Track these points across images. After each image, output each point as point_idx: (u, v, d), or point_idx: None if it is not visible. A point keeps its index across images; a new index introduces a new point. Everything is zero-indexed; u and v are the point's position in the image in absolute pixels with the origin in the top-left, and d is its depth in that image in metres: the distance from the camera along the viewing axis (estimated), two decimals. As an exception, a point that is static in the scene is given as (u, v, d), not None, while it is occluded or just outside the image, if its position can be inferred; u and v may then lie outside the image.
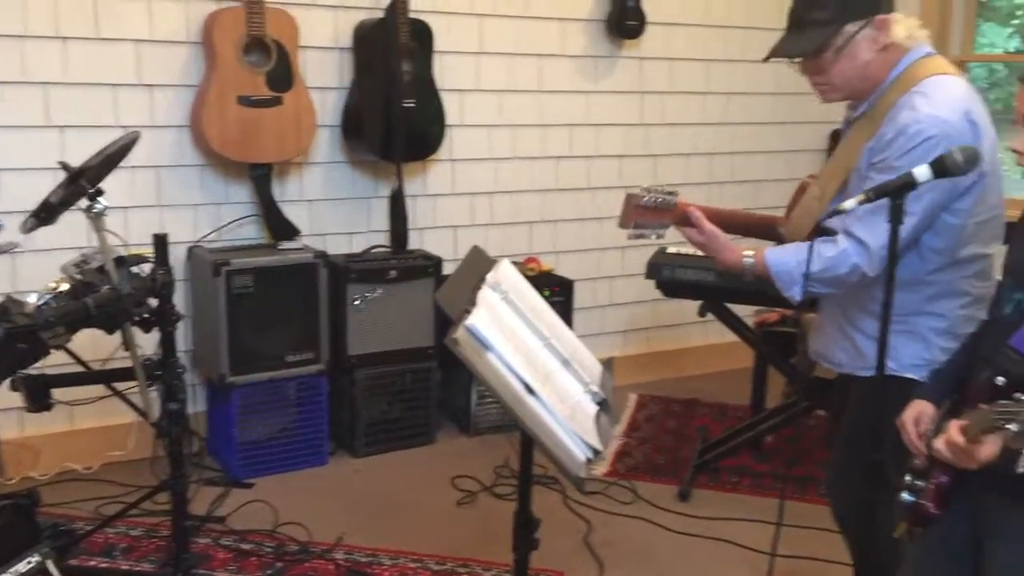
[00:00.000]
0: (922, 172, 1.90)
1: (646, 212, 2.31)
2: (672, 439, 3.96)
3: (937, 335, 2.19)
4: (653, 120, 4.54)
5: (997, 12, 7.97)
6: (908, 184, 1.92)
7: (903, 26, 2.13)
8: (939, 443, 1.68)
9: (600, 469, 3.62)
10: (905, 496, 1.84)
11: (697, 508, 3.36)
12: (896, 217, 1.94)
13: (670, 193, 2.30)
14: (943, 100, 2.05)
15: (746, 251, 2.21)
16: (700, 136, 4.66)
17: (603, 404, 2.05)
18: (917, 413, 1.84)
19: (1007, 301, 1.77)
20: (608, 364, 2.27)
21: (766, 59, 2.26)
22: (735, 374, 4.49)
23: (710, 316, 3.64)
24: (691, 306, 3.68)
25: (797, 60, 2.22)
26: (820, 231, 2.22)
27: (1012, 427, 1.45)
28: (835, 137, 4.93)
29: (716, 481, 3.57)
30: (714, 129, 4.68)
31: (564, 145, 4.33)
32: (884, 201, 1.94)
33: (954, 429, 1.64)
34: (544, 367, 1.97)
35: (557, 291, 4.03)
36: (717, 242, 2.26)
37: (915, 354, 2.19)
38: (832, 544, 2.88)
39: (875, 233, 2.04)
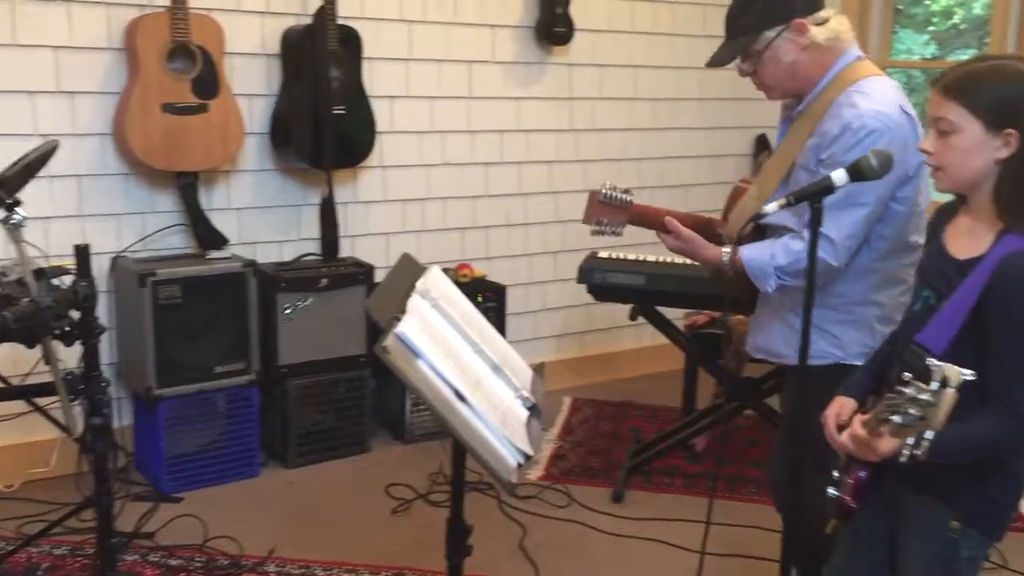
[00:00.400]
0: (839, 176, 1.97)
1: (606, 209, 2.43)
2: (606, 442, 3.99)
3: (879, 322, 2.29)
4: (583, 126, 4.58)
5: (914, 19, 8.22)
6: (826, 188, 1.98)
7: (826, 28, 2.24)
8: (844, 436, 1.73)
9: (535, 473, 3.64)
10: (830, 491, 1.89)
11: (631, 509, 3.40)
12: (816, 220, 2.00)
13: (626, 192, 2.43)
14: (880, 97, 2.18)
15: (723, 250, 2.33)
16: (630, 141, 4.71)
17: (534, 409, 2.07)
18: (838, 409, 1.88)
19: (918, 298, 1.84)
20: (539, 369, 2.28)
21: (708, 66, 2.37)
22: (667, 376, 4.56)
23: (641, 319, 3.68)
24: (623, 310, 3.72)
25: (739, 64, 2.34)
26: (758, 230, 2.34)
27: (896, 419, 1.50)
28: (761, 141, 5.05)
29: (649, 482, 3.61)
30: (643, 134, 4.74)
31: (495, 151, 4.35)
32: (845, 194, 2.05)
33: (857, 423, 1.69)
34: (475, 373, 1.97)
35: (490, 296, 4.04)
36: (695, 244, 2.37)
37: (860, 342, 2.28)
38: (763, 541, 2.95)
39: (839, 225, 2.15)
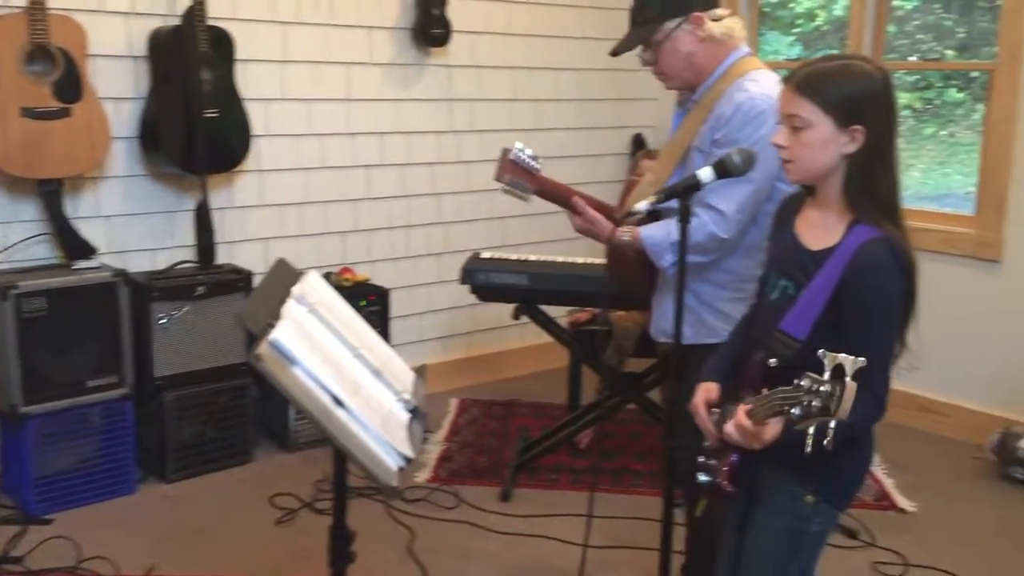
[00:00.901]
0: (706, 174, 2.07)
1: (516, 169, 2.55)
2: (493, 441, 4.01)
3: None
4: (464, 127, 4.59)
5: (780, 21, 8.54)
6: (693, 186, 2.07)
7: (721, 24, 2.39)
8: (729, 427, 1.79)
9: (423, 475, 3.62)
10: (701, 476, 1.95)
11: (519, 507, 3.42)
12: (684, 216, 2.08)
13: (535, 159, 2.56)
14: (768, 83, 2.34)
15: (622, 231, 2.44)
16: (510, 142, 4.70)
17: (415, 412, 2.06)
18: (707, 395, 1.94)
19: (773, 288, 1.90)
20: (420, 371, 2.27)
21: (612, 54, 2.46)
22: (552, 374, 4.61)
23: (525, 319, 3.71)
24: (507, 309, 3.74)
25: (640, 53, 2.45)
26: (652, 215, 2.40)
27: (795, 411, 1.55)
28: (637, 140, 5.16)
29: (536, 479, 3.65)
30: (524, 135, 4.70)
31: (375, 153, 4.31)
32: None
33: (741, 413, 1.75)
34: (354, 378, 1.95)
35: (373, 300, 4.01)
36: (599, 225, 2.47)
37: None
38: (648, 531, 3.01)
39: (729, 199, 2.29)
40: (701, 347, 2.38)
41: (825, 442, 1.55)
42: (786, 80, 1.82)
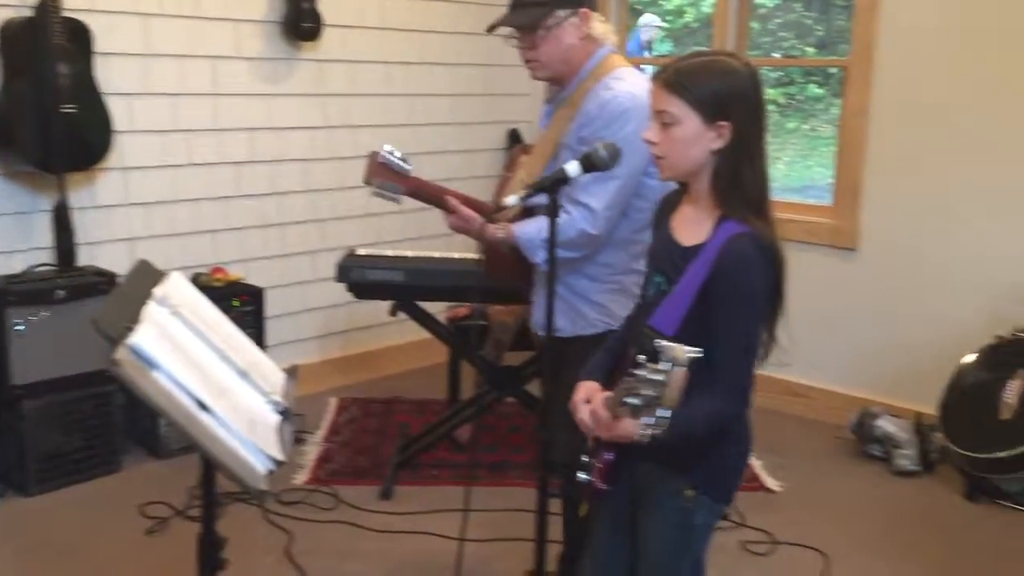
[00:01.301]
0: (572, 168, 2.09)
1: (385, 171, 2.53)
2: (374, 439, 3.98)
3: (640, 289, 2.42)
4: (337, 123, 4.52)
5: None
6: (561, 180, 2.09)
7: (599, 24, 2.45)
8: (583, 413, 1.81)
9: (301, 477, 3.57)
10: (580, 476, 1.96)
11: (400, 505, 3.41)
12: (553, 210, 2.11)
13: (405, 160, 2.54)
14: (633, 82, 2.38)
15: (496, 228, 2.45)
16: (385, 138, 4.66)
17: (285, 413, 2.02)
18: (585, 394, 1.93)
19: (650, 284, 1.94)
20: (292, 372, 2.23)
21: (489, 30, 2.49)
22: (432, 370, 4.61)
23: (403, 315, 3.70)
24: (385, 306, 3.72)
25: (515, 36, 2.46)
26: (527, 211, 2.45)
27: (632, 400, 1.59)
28: (512, 136, 5.19)
29: (417, 476, 3.64)
30: (398, 131, 4.74)
31: (245, 150, 4.21)
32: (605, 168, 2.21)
33: (598, 401, 1.77)
34: (219, 381, 1.90)
35: (247, 300, 3.92)
36: (474, 224, 2.47)
37: (627, 308, 2.39)
38: (529, 523, 3.03)
39: (598, 197, 2.34)
40: (579, 339, 2.43)
41: (657, 432, 1.59)
42: (656, 76, 1.83)
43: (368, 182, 2.56)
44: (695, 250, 1.79)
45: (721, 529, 3.29)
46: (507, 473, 3.68)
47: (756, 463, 3.82)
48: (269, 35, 4.22)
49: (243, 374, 2.01)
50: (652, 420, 1.60)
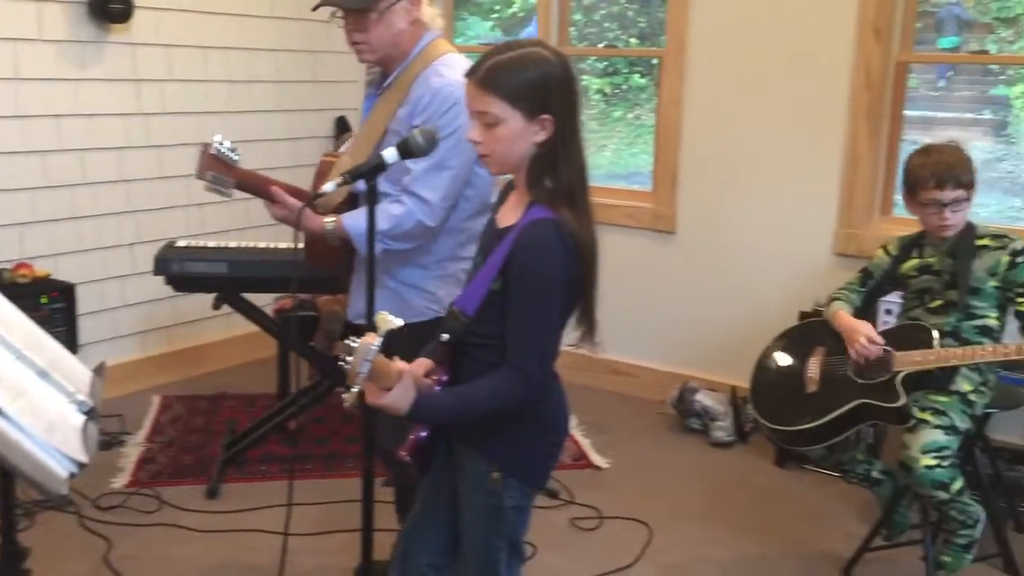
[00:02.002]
0: (390, 154, 2.07)
1: (217, 163, 2.45)
2: (200, 437, 3.86)
3: (467, 276, 2.44)
4: (153, 109, 4.33)
5: (479, 7, 8.76)
6: (379, 166, 2.08)
7: (427, 9, 2.45)
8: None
9: (120, 481, 3.42)
10: (400, 453, 1.97)
11: (227, 503, 3.32)
12: (372, 197, 2.10)
13: (233, 150, 2.47)
14: (462, 69, 2.29)
15: (327, 219, 2.39)
16: (205, 125, 4.53)
17: (91, 413, 1.93)
18: (418, 369, 1.91)
19: (473, 266, 1.96)
20: (99, 370, 2.14)
21: (314, 9, 2.43)
22: (261, 363, 4.50)
23: (227, 308, 3.59)
24: (210, 300, 3.59)
25: (342, 17, 2.42)
26: (352, 198, 2.45)
27: (342, 364, 1.65)
28: (341, 123, 5.12)
29: (246, 472, 3.55)
30: (219, 118, 4.59)
31: (51, 138, 3.97)
32: (438, 159, 2.26)
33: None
34: (16, 383, 1.80)
35: (56, 297, 3.71)
36: (305, 213, 2.38)
37: (454, 295, 2.39)
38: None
39: (434, 188, 2.35)
40: (407, 327, 2.41)
41: (347, 398, 1.66)
42: (469, 75, 1.81)
43: (201, 176, 2.47)
44: (504, 232, 1.83)
45: (551, 507, 3.39)
46: (340, 464, 3.65)
47: (584, 441, 3.94)
48: (75, 17, 3.99)
49: (43, 374, 1.91)
50: (355, 387, 1.66)
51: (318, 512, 3.21)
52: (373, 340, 1.64)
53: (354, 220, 2.39)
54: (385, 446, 2.60)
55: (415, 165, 2.34)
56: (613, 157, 8.22)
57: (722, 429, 3.98)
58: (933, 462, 2.56)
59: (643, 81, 8.29)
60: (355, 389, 1.66)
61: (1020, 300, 2.69)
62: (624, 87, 8.48)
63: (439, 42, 2.48)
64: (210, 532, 3.13)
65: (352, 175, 2.10)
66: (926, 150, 2.78)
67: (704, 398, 4.05)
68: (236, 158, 2.49)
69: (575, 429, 4.03)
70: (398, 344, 2.26)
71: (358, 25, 2.40)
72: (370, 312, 2.14)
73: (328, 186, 2.14)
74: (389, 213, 2.37)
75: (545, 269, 1.75)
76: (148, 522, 3.17)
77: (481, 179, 2.44)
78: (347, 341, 1.66)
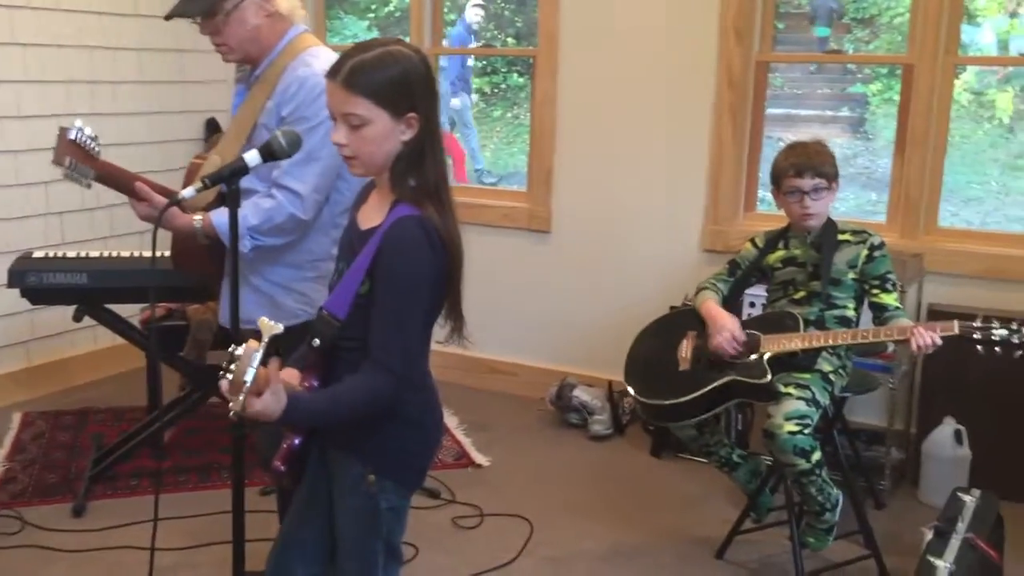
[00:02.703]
0: (252, 157, 2.03)
1: (76, 150, 2.33)
2: (65, 454, 3.70)
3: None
4: (8, 112, 4.12)
5: (356, 6, 8.68)
6: (240, 169, 2.03)
7: (286, 1, 2.41)
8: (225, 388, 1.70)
9: (-23, 504, 3.25)
10: (275, 463, 1.93)
11: (95, 520, 3.20)
12: (234, 201, 2.06)
13: (94, 138, 2.38)
14: (330, 60, 2.26)
15: (195, 216, 2.31)
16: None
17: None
18: (289, 379, 1.87)
19: (336, 271, 1.94)
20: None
21: (167, 17, 2.40)
22: (130, 375, 4.36)
23: (90, 320, 3.45)
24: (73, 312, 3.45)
25: (197, 21, 2.38)
26: (221, 199, 2.33)
27: (228, 376, 1.60)
28: (211, 125, 4.99)
29: (114, 488, 3.42)
30: (80, 121, 4.39)
31: None
32: (308, 150, 2.20)
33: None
34: None
35: None
36: (170, 210, 2.28)
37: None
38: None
39: (304, 181, 2.31)
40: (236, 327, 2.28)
41: (235, 409, 1.60)
42: (331, 75, 1.78)
43: (58, 163, 2.34)
44: (369, 233, 1.81)
45: (433, 508, 3.39)
46: (216, 475, 3.56)
47: (465, 440, 3.95)
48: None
49: None
50: (240, 399, 1.60)
51: (192, 525, 3.13)
52: (256, 347, 1.59)
53: (223, 217, 2.28)
54: (267, 455, 2.57)
55: (197, 191, 2.21)
56: (492, 157, 8.27)
57: (600, 423, 4.05)
58: (796, 428, 2.68)
59: (521, 80, 8.38)
60: (241, 397, 1.60)
61: (874, 292, 2.85)
62: (503, 86, 8.54)
63: (306, 36, 2.46)
64: (77, 552, 3.01)
65: (212, 179, 2.04)
66: (791, 146, 2.94)
67: (582, 393, 4.12)
68: (98, 149, 2.39)
69: (456, 429, 4.04)
70: (287, 347, 2.23)
71: (210, 28, 2.38)
72: (235, 315, 2.10)
73: (187, 192, 2.07)
74: (259, 207, 2.32)
75: (413, 267, 1.75)
76: (10, 544, 3.02)
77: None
78: (229, 350, 1.61)
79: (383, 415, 1.80)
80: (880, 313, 2.83)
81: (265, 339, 1.60)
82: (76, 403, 4.21)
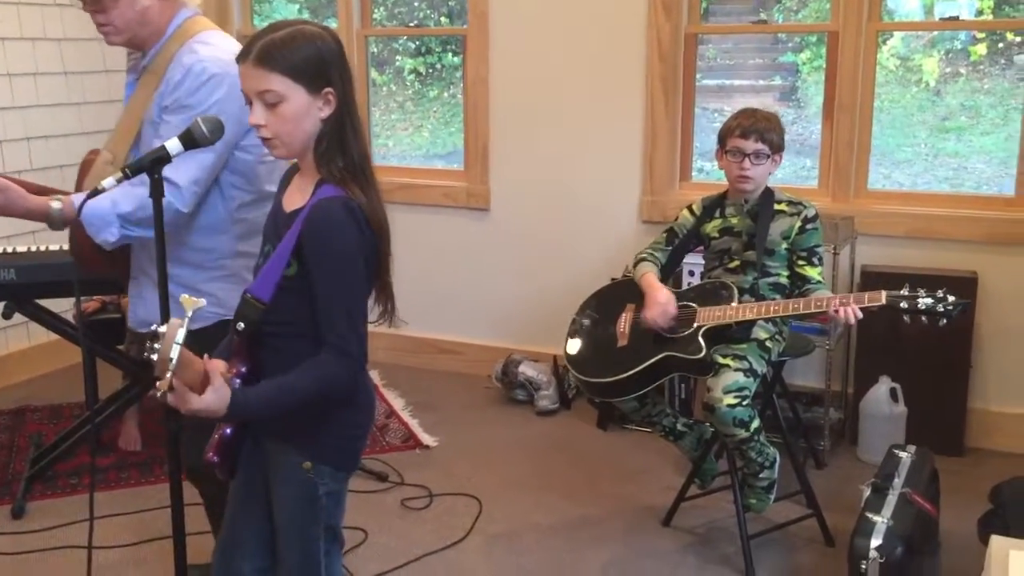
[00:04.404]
0: (173, 145, 1.98)
1: None
2: (1, 455, 3.62)
3: (251, 273, 2.32)
4: None
5: (284, -11, 8.50)
6: (162, 158, 1.98)
7: None
8: (171, 397, 1.64)
9: (-89, 511, 3.17)
10: (208, 454, 1.91)
11: (35, 521, 3.14)
12: (158, 191, 2.00)
13: None
14: (220, 46, 2.26)
15: (53, 198, 2.16)
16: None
17: None
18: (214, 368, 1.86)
19: (262, 254, 1.92)
20: None
21: None
22: (67, 372, 4.27)
23: (21, 317, 3.37)
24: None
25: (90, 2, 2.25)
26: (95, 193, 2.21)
27: (151, 357, 1.56)
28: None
29: (54, 488, 3.36)
30: (1, 114, 4.28)
31: None
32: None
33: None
34: None
35: None
36: (11, 193, 2.14)
37: (238, 295, 2.27)
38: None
39: (184, 171, 2.16)
40: (189, 333, 2.26)
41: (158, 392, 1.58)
42: (242, 57, 1.76)
43: None
44: (294, 216, 1.79)
45: (381, 491, 3.39)
46: (159, 469, 3.51)
47: (412, 422, 3.95)
48: None
49: None
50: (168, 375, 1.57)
51: (135, 521, 3.09)
52: (180, 323, 1.56)
53: (93, 203, 2.10)
54: (194, 462, 2.52)
55: (119, 183, 2.10)
56: (431, 137, 8.22)
57: (546, 398, 4.08)
58: (735, 401, 2.72)
59: (456, 60, 8.32)
60: (168, 376, 1.56)
61: (800, 263, 2.92)
62: (438, 66, 8.48)
63: (198, 19, 2.33)
64: (17, 554, 2.95)
65: (133, 169, 1.99)
66: (743, 110, 2.97)
67: (527, 369, 4.13)
68: None
69: (403, 411, 4.04)
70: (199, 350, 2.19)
71: (99, 7, 2.24)
72: (164, 313, 2.03)
73: (107, 182, 2.02)
74: (133, 194, 2.16)
75: (340, 247, 1.74)
76: (-55, 551, 2.96)
77: (249, 165, 2.31)
78: (153, 328, 1.57)
79: (338, 400, 1.80)
80: (801, 284, 2.90)
81: (188, 314, 1.58)
82: (12, 402, 4.12)
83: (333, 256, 1.74)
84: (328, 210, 1.74)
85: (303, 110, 1.75)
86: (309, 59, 1.74)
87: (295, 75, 1.73)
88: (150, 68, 2.30)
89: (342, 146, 1.78)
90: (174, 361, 1.55)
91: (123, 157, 2.29)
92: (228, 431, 1.85)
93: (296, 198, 1.84)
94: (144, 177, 2.11)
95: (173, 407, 1.65)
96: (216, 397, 1.64)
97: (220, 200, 2.29)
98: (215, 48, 2.25)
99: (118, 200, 2.15)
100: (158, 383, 1.59)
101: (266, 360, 1.81)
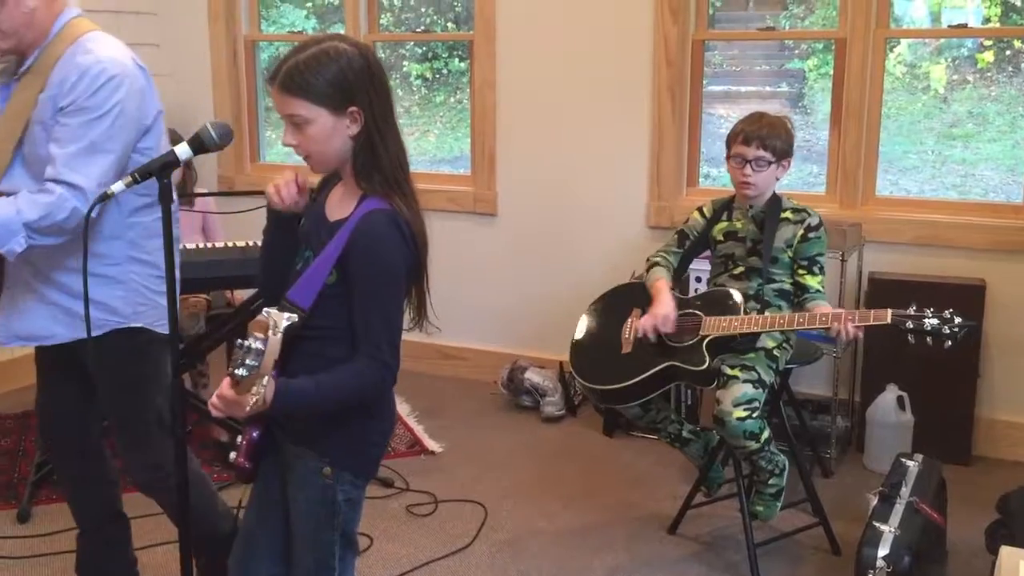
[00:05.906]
0: (182, 150, 1.98)
1: None
2: (6, 460, 3.62)
3: (152, 279, 2.32)
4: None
5: (292, -7, 8.50)
6: (171, 163, 1.98)
7: None
8: (213, 399, 1.76)
9: (-83, 514, 3.17)
10: (231, 455, 1.91)
11: (41, 526, 3.14)
12: (166, 197, 1.99)
13: None
14: (113, 48, 2.23)
15: None
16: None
17: None
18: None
19: (300, 258, 1.92)
20: None
21: None
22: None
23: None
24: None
25: None
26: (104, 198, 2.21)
27: (240, 372, 1.60)
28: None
29: (60, 492, 3.35)
30: None
31: None
32: (90, 141, 2.12)
33: (226, 382, 1.73)
34: None
35: None
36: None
37: (133, 302, 2.28)
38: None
39: (87, 175, 2.13)
40: (83, 343, 2.15)
41: (257, 400, 1.63)
42: (270, 80, 1.80)
43: None
44: (338, 225, 1.82)
45: (386, 496, 3.38)
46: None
47: (418, 428, 3.94)
48: None
49: None
50: (260, 390, 1.62)
51: (135, 526, 3.07)
52: (277, 339, 1.60)
53: None
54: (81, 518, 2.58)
55: (60, 150, 2.12)
56: (437, 142, 8.24)
57: (552, 404, 4.07)
58: (744, 414, 2.71)
59: (463, 65, 8.34)
60: (263, 389, 1.64)
61: (800, 271, 2.90)
62: (444, 72, 8.50)
63: (81, 20, 2.27)
64: (23, 558, 2.95)
65: (141, 173, 1.99)
66: (751, 114, 2.96)
67: (533, 375, 4.13)
68: None
69: (408, 416, 4.03)
70: (94, 363, 2.18)
71: None
72: (87, 321, 2.00)
73: (116, 185, 2.00)
74: (37, 202, 2.11)
75: (387, 260, 1.78)
76: (-49, 555, 2.96)
77: (138, 166, 2.18)
78: (238, 344, 1.60)
79: (363, 407, 1.83)
80: (801, 293, 2.88)
81: (282, 327, 1.60)
82: (18, 406, 4.12)
83: (378, 269, 1.78)
84: (375, 224, 1.78)
85: (329, 130, 1.79)
86: (331, 81, 1.76)
87: (317, 99, 1.76)
88: (33, 69, 2.22)
89: (376, 161, 1.82)
90: (266, 379, 1.61)
91: (7, 160, 2.21)
92: (256, 435, 1.87)
93: (340, 208, 1.87)
94: (49, 185, 2.12)
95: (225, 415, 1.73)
96: (266, 391, 1.68)
97: (115, 206, 2.22)
98: (111, 50, 2.20)
99: (23, 208, 2.09)
100: (252, 398, 1.64)
101: (299, 364, 1.82)
